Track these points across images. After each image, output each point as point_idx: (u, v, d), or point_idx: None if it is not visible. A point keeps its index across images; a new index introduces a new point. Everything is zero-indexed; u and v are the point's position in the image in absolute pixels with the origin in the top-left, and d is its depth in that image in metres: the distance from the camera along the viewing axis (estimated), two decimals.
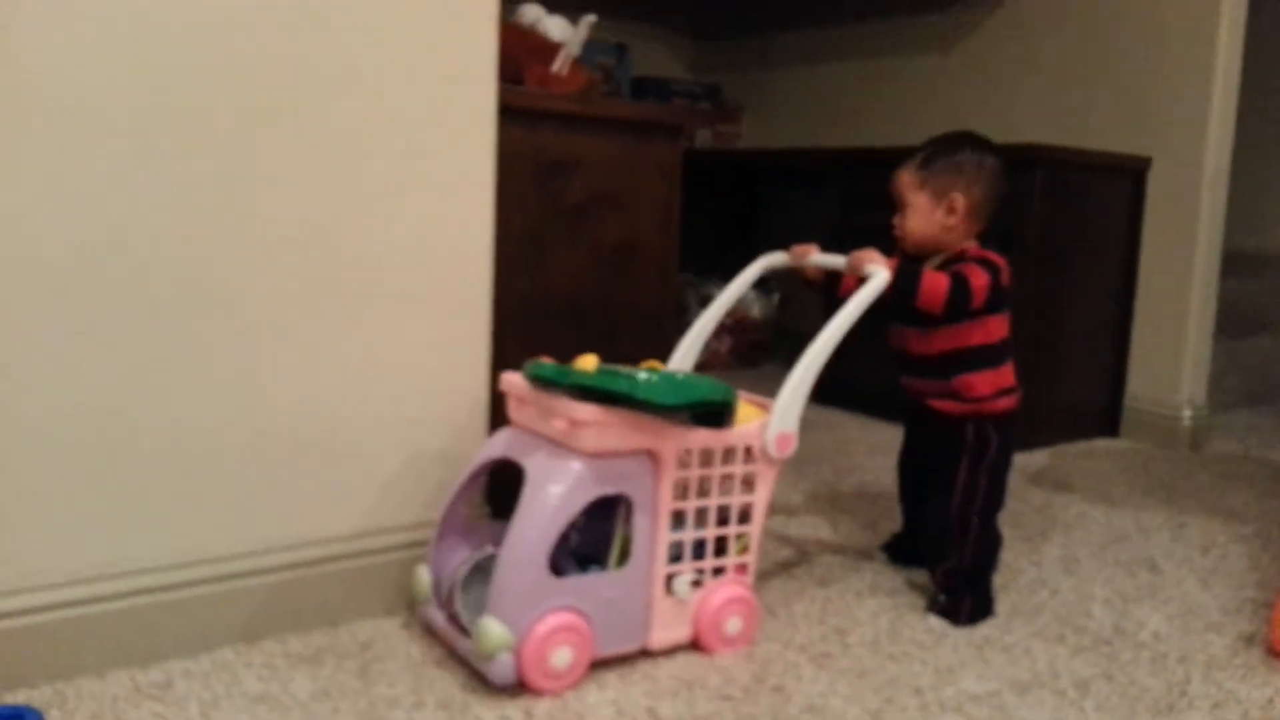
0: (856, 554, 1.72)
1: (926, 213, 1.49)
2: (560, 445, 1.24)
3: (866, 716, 1.19)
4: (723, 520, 1.33)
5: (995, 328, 1.49)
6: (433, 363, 1.42)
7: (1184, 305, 2.62)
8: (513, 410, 1.34)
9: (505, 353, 1.51)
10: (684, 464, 1.27)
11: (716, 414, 1.26)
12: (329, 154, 1.30)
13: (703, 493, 1.31)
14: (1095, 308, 2.66)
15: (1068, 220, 2.54)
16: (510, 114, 1.50)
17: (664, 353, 1.87)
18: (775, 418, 1.33)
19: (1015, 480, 2.23)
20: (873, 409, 2.77)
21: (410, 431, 1.41)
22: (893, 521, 1.89)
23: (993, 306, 1.46)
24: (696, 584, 1.30)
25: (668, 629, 1.29)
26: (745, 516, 1.35)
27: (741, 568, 1.36)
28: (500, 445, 1.32)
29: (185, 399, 1.23)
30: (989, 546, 1.52)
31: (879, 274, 1.39)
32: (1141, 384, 2.70)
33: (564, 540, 1.26)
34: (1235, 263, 2.92)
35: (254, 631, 1.30)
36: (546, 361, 1.26)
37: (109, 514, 1.20)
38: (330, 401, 1.34)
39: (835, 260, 1.49)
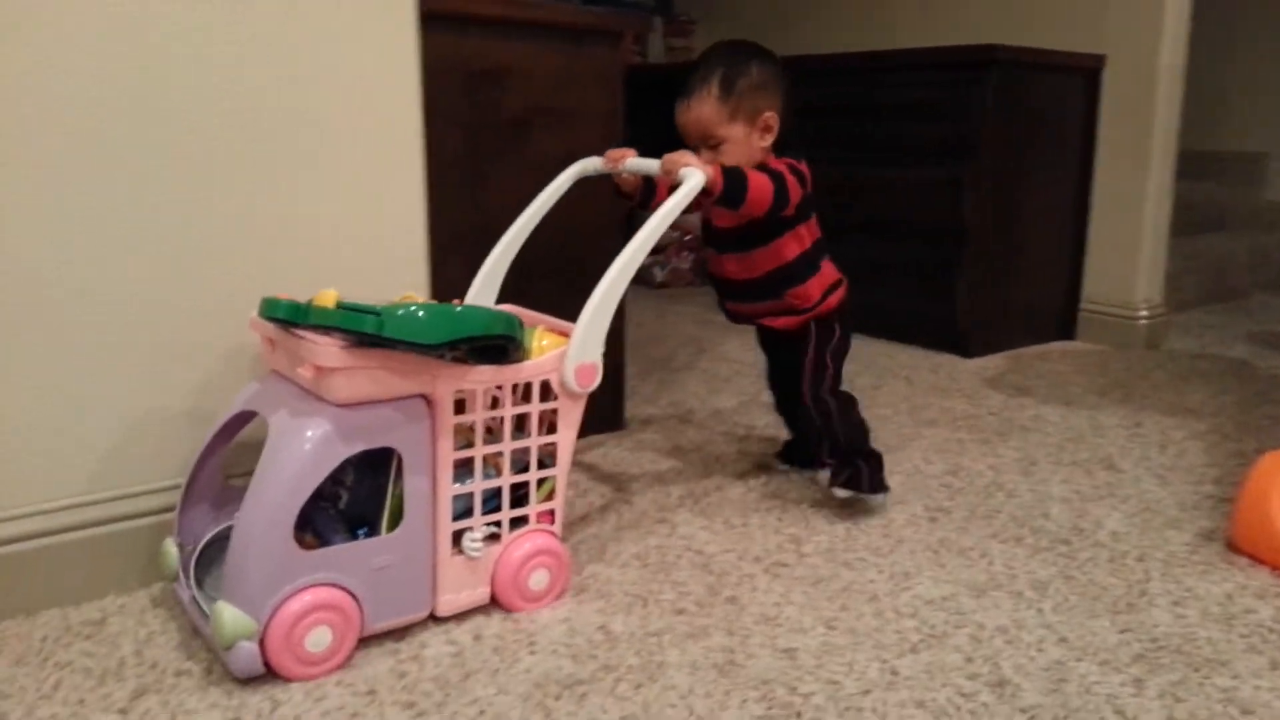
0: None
1: (744, 141, 1.40)
2: (311, 395, 1.08)
3: (821, 625, 1.17)
4: (523, 466, 1.19)
5: (806, 234, 1.46)
6: (381, 283, 1.36)
7: (1140, 206, 2.60)
8: (265, 354, 1.17)
9: (450, 278, 1.45)
10: (465, 408, 1.12)
11: (497, 348, 1.11)
12: (244, 75, 1.21)
13: (493, 437, 1.16)
14: (1050, 210, 2.64)
15: (1021, 122, 2.49)
16: (434, 20, 1.41)
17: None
18: (573, 347, 1.18)
19: (972, 383, 2.23)
20: None
21: None
22: None
23: (802, 214, 1.43)
24: (494, 538, 1.17)
25: (458, 591, 1.15)
26: (551, 459, 1.22)
27: (547, 515, 1.23)
28: (246, 397, 1.16)
29: None
30: (854, 419, 1.52)
31: (693, 175, 1.26)
32: (1098, 285, 2.70)
33: (330, 502, 1.14)
34: (1191, 162, 2.89)
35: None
36: (283, 298, 1.06)
37: None
38: None
39: (650, 165, 1.36)
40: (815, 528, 1.45)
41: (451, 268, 1.47)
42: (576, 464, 1.70)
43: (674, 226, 3.38)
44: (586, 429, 1.82)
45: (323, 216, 1.31)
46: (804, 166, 1.41)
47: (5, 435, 1.15)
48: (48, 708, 0.98)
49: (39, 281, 1.13)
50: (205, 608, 1.05)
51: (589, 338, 1.19)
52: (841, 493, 1.47)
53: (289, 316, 1.04)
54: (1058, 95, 2.57)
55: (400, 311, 1.00)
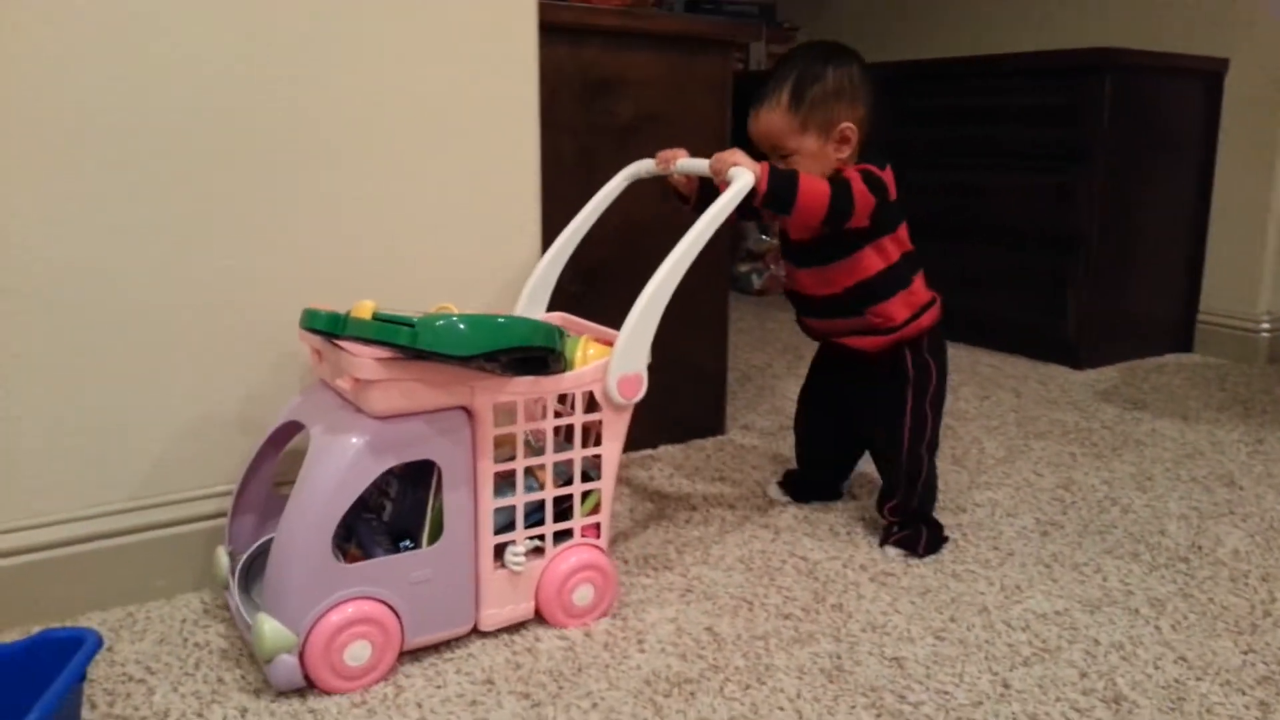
0: None
1: (818, 154, 1.31)
2: (351, 407, 1.07)
3: (929, 635, 1.17)
4: (568, 479, 1.17)
5: (891, 247, 1.34)
6: (488, 290, 1.40)
7: (1263, 214, 2.50)
8: (314, 365, 1.16)
9: (560, 280, 1.48)
10: (506, 419, 1.10)
11: (537, 359, 1.08)
12: (365, 84, 1.27)
13: (537, 450, 1.15)
14: (1168, 218, 2.56)
15: (1139, 127, 2.42)
16: (554, 31, 1.45)
17: (716, 276, 1.85)
18: (616, 358, 1.14)
19: (1083, 396, 2.18)
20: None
21: None
22: (957, 441, 1.86)
23: (882, 226, 1.31)
24: (538, 551, 1.15)
25: (501, 605, 1.13)
26: (597, 472, 1.19)
27: (592, 529, 1.19)
28: (293, 406, 1.16)
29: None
30: (934, 481, 1.43)
31: (741, 176, 1.19)
32: (1217, 296, 2.60)
33: (375, 514, 1.14)
34: None
35: None
36: (323, 310, 1.04)
37: None
38: None
39: (701, 165, 1.29)
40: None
41: (564, 273, 1.50)
42: (679, 467, 1.72)
43: (774, 234, 3.38)
44: (688, 433, 1.86)
45: (440, 222, 1.35)
46: (886, 174, 1.30)
47: (60, 440, 1.17)
48: (190, 684, 1.04)
49: (96, 287, 1.15)
50: (248, 618, 1.04)
51: (632, 348, 1.15)
52: (893, 551, 1.38)
53: (327, 328, 1.03)
54: (1177, 99, 2.49)
55: (435, 323, 0.98)
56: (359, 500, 1.04)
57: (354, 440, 1.02)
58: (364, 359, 1.01)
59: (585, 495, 1.18)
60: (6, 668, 0.89)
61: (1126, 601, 1.26)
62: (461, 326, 0.99)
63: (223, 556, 1.16)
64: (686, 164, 1.33)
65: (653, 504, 1.56)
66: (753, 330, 2.80)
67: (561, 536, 1.17)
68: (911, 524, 1.40)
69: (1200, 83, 2.51)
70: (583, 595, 1.17)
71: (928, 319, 1.37)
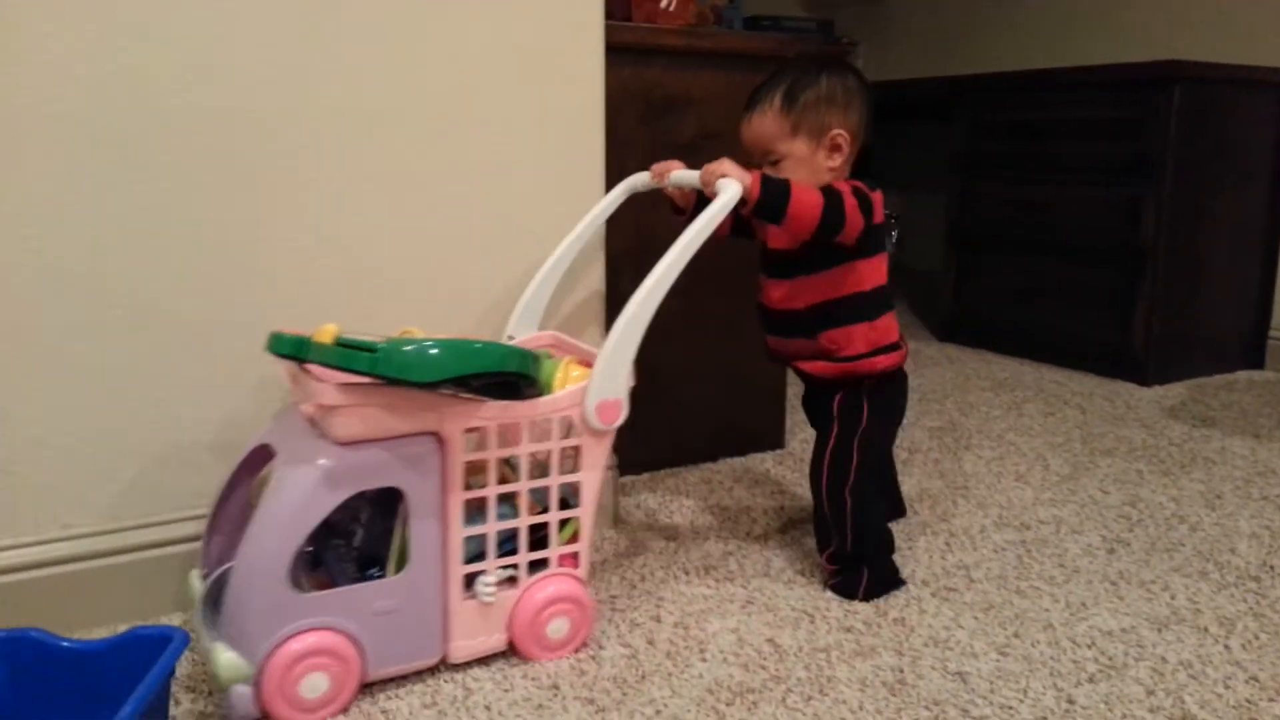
0: (981, 489, 1.68)
1: (807, 160, 1.26)
2: (318, 432, 1.04)
3: (993, 650, 1.16)
4: (546, 506, 1.13)
5: (868, 273, 1.27)
6: (561, 311, 1.43)
7: None
8: (291, 388, 1.12)
9: (620, 295, 1.50)
10: (477, 445, 1.07)
11: (508, 384, 1.05)
12: (432, 97, 1.31)
13: (508, 477, 1.11)
14: (1239, 232, 2.51)
15: (1208, 140, 2.39)
16: (618, 51, 1.48)
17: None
18: (594, 383, 1.10)
19: (1150, 413, 2.15)
20: (993, 344, 2.70)
21: None
22: (1021, 458, 1.85)
23: (864, 248, 1.25)
24: (513, 580, 1.12)
25: (472, 637, 1.09)
26: (574, 500, 1.15)
27: (569, 559, 1.15)
28: (266, 431, 1.13)
29: None
30: (871, 522, 1.34)
31: (728, 188, 1.15)
32: None
33: (345, 540, 1.11)
34: None
35: None
36: (288, 333, 1.03)
37: None
38: None
39: (693, 177, 1.24)
40: (984, 554, 1.43)
41: (624, 282, 1.53)
42: (739, 479, 1.73)
43: None
44: (748, 446, 1.87)
45: (508, 235, 1.39)
46: (876, 195, 1.25)
47: (39, 460, 1.17)
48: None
49: (76, 308, 1.16)
50: (208, 645, 1.01)
51: (611, 372, 1.11)
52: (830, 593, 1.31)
53: (292, 352, 1.01)
54: (1248, 111, 2.45)
55: (396, 349, 0.96)
56: (328, 526, 1.03)
57: (312, 469, 0.99)
58: (326, 385, 0.98)
59: (563, 523, 1.15)
60: (99, 660, 0.94)
61: (1195, 620, 1.24)
62: (424, 352, 0.96)
63: (195, 580, 1.12)
64: (679, 176, 1.29)
65: (713, 516, 1.58)
66: None
67: (538, 566, 1.13)
68: (849, 567, 1.31)
69: (1272, 94, 2.47)
70: (557, 628, 1.13)
71: (883, 361, 1.29)
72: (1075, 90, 2.53)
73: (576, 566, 1.16)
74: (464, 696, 1.06)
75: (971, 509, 1.60)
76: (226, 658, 0.97)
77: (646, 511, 1.60)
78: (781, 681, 1.09)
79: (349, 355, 0.96)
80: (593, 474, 1.14)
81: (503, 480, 1.09)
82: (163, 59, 1.15)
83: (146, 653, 0.91)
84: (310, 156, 1.24)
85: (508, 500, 1.10)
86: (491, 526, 1.08)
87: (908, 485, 1.70)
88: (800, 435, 1.97)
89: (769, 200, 1.17)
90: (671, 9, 1.76)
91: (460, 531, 1.06)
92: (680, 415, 1.42)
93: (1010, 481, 1.72)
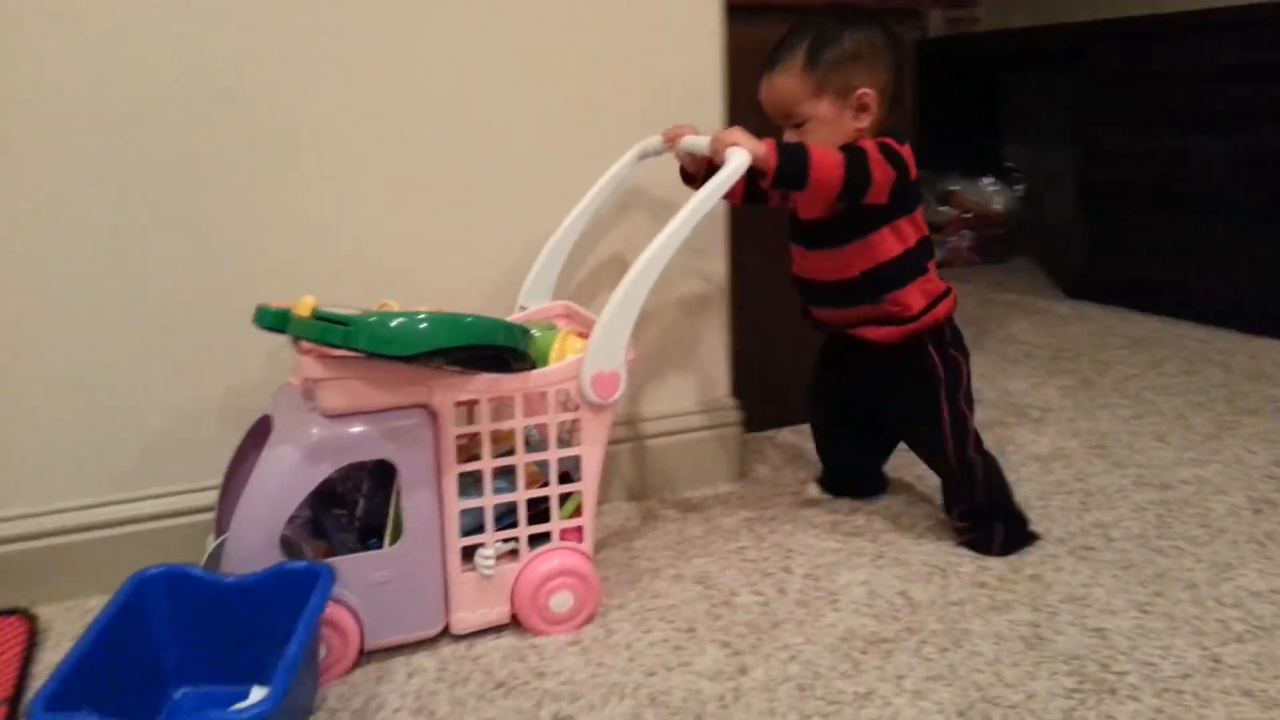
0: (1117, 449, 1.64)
1: (834, 121, 1.20)
2: (310, 405, 1.04)
3: (1133, 608, 1.14)
4: (549, 479, 1.11)
5: (909, 230, 1.23)
6: (682, 287, 1.44)
7: None
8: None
9: (745, 264, 1.51)
10: (469, 418, 1.07)
11: (497, 358, 1.04)
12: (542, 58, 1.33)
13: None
14: None
15: None
16: (733, 11, 1.45)
17: None
18: (590, 355, 1.08)
19: None
20: (1128, 301, 2.60)
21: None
22: (1160, 417, 1.79)
23: (902, 206, 1.21)
24: (514, 554, 1.11)
25: (474, 609, 1.09)
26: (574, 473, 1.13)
27: (573, 532, 1.14)
28: (270, 402, 1.14)
29: None
30: (996, 474, 1.32)
31: (736, 157, 1.11)
32: None
33: (348, 510, 1.11)
34: None
35: None
36: (273, 306, 1.03)
37: None
38: None
39: (702, 143, 1.19)
40: (1122, 513, 1.40)
41: (745, 251, 1.54)
42: None
43: (954, 204, 3.31)
44: None
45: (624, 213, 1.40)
46: (905, 149, 1.19)
47: (54, 430, 1.20)
48: None
49: (90, 280, 1.18)
50: None
51: (607, 343, 1.08)
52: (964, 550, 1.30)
53: (275, 324, 1.02)
54: None
55: (368, 322, 0.94)
56: (331, 495, 1.05)
57: (299, 442, 1.00)
58: (309, 358, 0.99)
59: (567, 498, 1.14)
60: (250, 594, 0.97)
61: None
62: (394, 325, 0.95)
63: (211, 546, 1.12)
64: (690, 142, 1.23)
65: None
66: None
67: (541, 540, 1.12)
68: (983, 524, 1.30)
69: None
70: (561, 601, 1.11)
71: (943, 309, 1.26)
72: (1220, 32, 2.39)
73: (581, 541, 1.14)
74: (605, 636, 1.10)
75: (1109, 468, 1.56)
76: None
77: (773, 466, 1.61)
78: (915, 633, 1.10)
79: (324, 329, 0.96)
80: (593, 449, 1.12)
81: (497, 454, 1.08)
82: (165, 55, 1.16)
83: (294, 588, 0.95)
84: (323, 138, 1.24)
85: (506, 474, 1.09)
86: (488, 500, 1.07)
87: (1040, 444, 1.67)
88: None
89: (788, 167, 1.12)
90: None
91: (456, 504, 1.06)
92: (806, 374, 1.43)
93: (1149, 441, 1.67)
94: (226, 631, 0.98)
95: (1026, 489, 1.48)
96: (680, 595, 1.19)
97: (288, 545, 1.04)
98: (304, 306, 0.98)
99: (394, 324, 0.95)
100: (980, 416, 1.60)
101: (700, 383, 1.51)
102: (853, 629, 1.11)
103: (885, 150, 1.16)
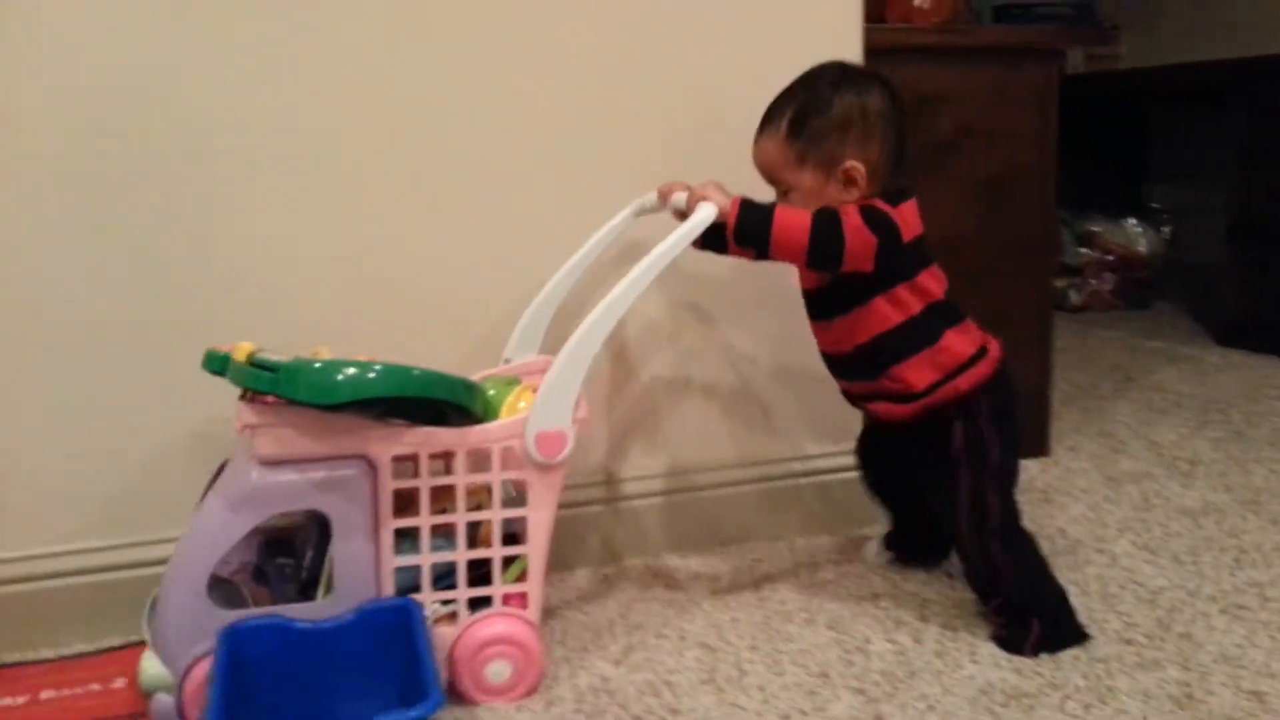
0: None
1: (817, 193, 1.12)
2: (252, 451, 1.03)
3: None
4: (502, 540, 1.06)
5: (909, 297, 1.13)
6: (777, 309, 1.42)
7: None
8: None
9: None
10: (408, 471, 1.03)
11: (436, 411, 1.01)
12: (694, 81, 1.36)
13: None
14: None
15: None
16: (875, 53, 1.49)
17: (1039, 291, 1.80)
18: (535, 412, 1.03)
19: None
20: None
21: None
22: None
23: (895, 273, 1.11)
24: (453, 617, 1.06)
25: None
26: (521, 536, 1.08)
27: (516, 598, 1.08)
28: (233, 446, 1.12)
29: None
30: (1027, 564, 1.18)
31: (702, 209, 1.07)
32: None
33: (294, 559, 1.09)
34: None
35: None
36: (222, 350, 1.02)
37: None
38: None
39: (684, 199, 1.13)
40: (1278, 573, 1.33)
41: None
42: None
43: (1095, 245, 3.20)
44: None
45: None
46: (904, 208, 1.12)
47: (32, 477, 1.21)
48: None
49: (73, 317, 1.19)
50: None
51: (553, 401, 1.04)
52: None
53: (218, 369, 1.02)
54: None
55: (290, 370, 0.93)
56: (280, 544, 1.05)
57: (230, 491, 1.01)
58: (245, 404, 0.99)
59: (511, 561, 1.08)
60: (335, 637, 0.99)
61: None
62: (318, 373, 0.93)
63: (152, 596, 1.09)
64: (678, 199, 1.15)
65: None
66: (1074, 349, 2.66)
67: (482, 604, 1.07)
68: (1017, 620, 1.16)
69: None
70: (497, 671, 1.05)
71: (970, 379, 1.14)
72: None
73: (526, 608, 1.08)
74: (739, 677, 1.11)
75: (1263, 524, 1.49)
76: (151, 667, 0.99)
77: None
78: (1059, 688, 1.07)
79: (253, 374, 0.96)
80: (541, 512, 1.06)
81: (445, 511, 1.05)
82: (159, 64, 1.17)
83: (378, 625, 0.99)
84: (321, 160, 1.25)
85: (443, 531, 1.06)
86: (426, 559, 1.04)
87: (1189, 497, 1.60)
88: (1066, 442, 1.89)
89: (746, 225, 1.07)
90: (926, 6, 1.75)
91: (391, 559, 1.03)
92: None
93: None
94: (317, 673, 0.99)
95: (1175, 544, 1.42)
96: (814, 639, 1.19)
97: (231, 591, 1.05)
98: (241, 352, 0.99)
99: (315, 371, 0.94)
100: (1126, 467, 1.55)
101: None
102: (992, 681, 1.09)
103: (868, 214, 1.08)
